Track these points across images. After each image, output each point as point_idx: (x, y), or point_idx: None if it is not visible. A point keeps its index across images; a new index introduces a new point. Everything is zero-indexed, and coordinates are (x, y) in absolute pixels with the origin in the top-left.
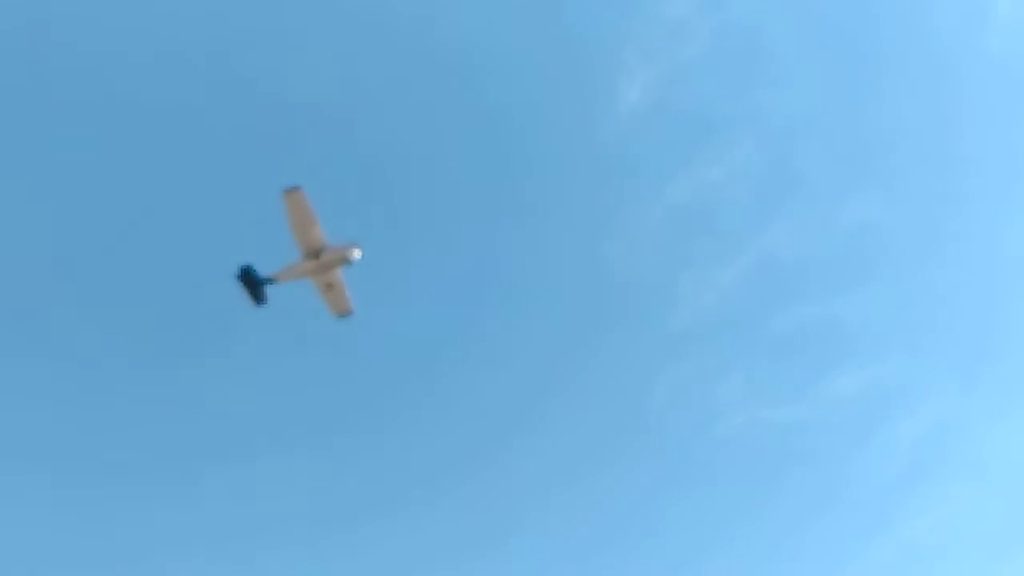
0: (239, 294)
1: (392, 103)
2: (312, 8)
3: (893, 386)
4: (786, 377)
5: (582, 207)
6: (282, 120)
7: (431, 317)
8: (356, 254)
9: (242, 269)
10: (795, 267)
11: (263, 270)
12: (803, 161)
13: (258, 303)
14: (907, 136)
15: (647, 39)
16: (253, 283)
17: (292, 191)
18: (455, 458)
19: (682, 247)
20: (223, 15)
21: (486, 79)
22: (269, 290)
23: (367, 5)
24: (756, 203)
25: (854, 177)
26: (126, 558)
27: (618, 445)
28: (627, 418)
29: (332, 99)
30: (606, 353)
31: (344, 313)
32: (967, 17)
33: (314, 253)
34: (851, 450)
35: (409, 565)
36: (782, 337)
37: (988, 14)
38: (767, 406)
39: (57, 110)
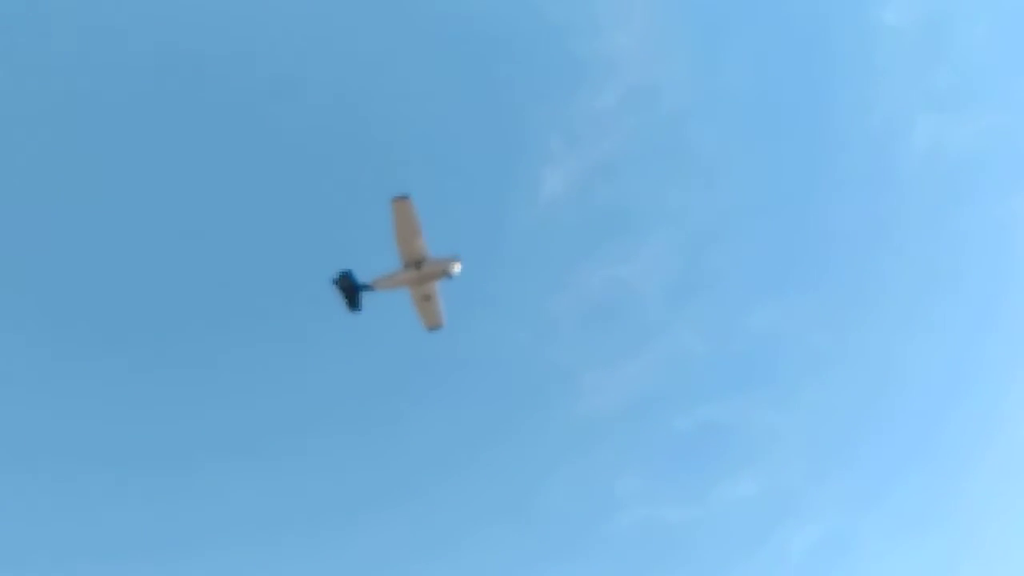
0: (335, 298)
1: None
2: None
3: (788, 494)
4: (684, 477)
5: (495, 292)
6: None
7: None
8: (457, 268)
9: (341, 274)
10: (701, 367)
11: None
12: (717, 262)
13: (353, 309)
14: (821, 244)
15: (574, 129)
16: (351, 289)
17: (401, 199)
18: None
19: (590, 339)
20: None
21: (415, 154)
22: (365, 297)
23: None
24: (667, 300)
25: (765, 282)
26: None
27: (510, 534)
28: (521, 507)
29: None
30: (507, 439)
31: (436, 326)
32: (891, 126)
33: (415, 263)
34: (742, 556)
35: None
36: (683, 436)
37: (912, 122)
38: (663, 505)
39: (191, 115)
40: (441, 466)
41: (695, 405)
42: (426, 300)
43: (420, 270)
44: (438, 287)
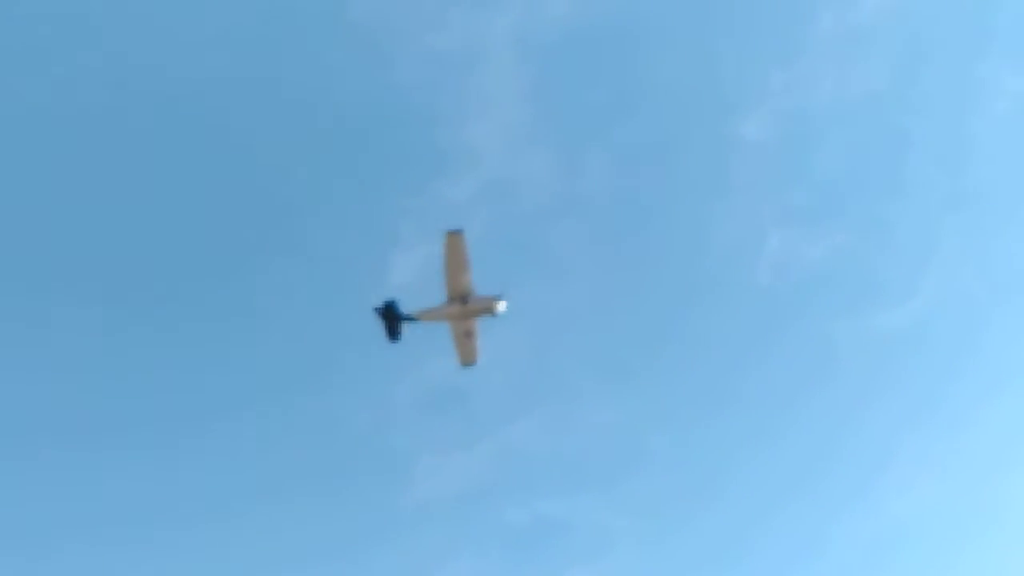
0: (375, 325)
1: None
2: None
3: None
4: (514, 570)
5: (338, 371)
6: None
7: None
8: (502, 307)
9: (386, 303)
10: (538, 461)
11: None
12: (562, 357)
13: (393, 339)
14: (668, 347)
15: (428, 217)
16: (393, 318)
17: (455, 233)
18: None
19: (429, 425)
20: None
21: (268, 230)
22: (406, 327)
23: None
24: (509, 392)
25: (608, 380)
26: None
27: None
28: None
29: None
30: (334, 521)
31: (471, 363)
32: (744, 237)
33: (461, 298)
34: None
35: None
36: (516, 529)
37: (765, 235)
38: None
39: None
40: (274, 545)
41: (530, 499)
42: (467, 337)
43: (466, 305)
44: (478, 325)
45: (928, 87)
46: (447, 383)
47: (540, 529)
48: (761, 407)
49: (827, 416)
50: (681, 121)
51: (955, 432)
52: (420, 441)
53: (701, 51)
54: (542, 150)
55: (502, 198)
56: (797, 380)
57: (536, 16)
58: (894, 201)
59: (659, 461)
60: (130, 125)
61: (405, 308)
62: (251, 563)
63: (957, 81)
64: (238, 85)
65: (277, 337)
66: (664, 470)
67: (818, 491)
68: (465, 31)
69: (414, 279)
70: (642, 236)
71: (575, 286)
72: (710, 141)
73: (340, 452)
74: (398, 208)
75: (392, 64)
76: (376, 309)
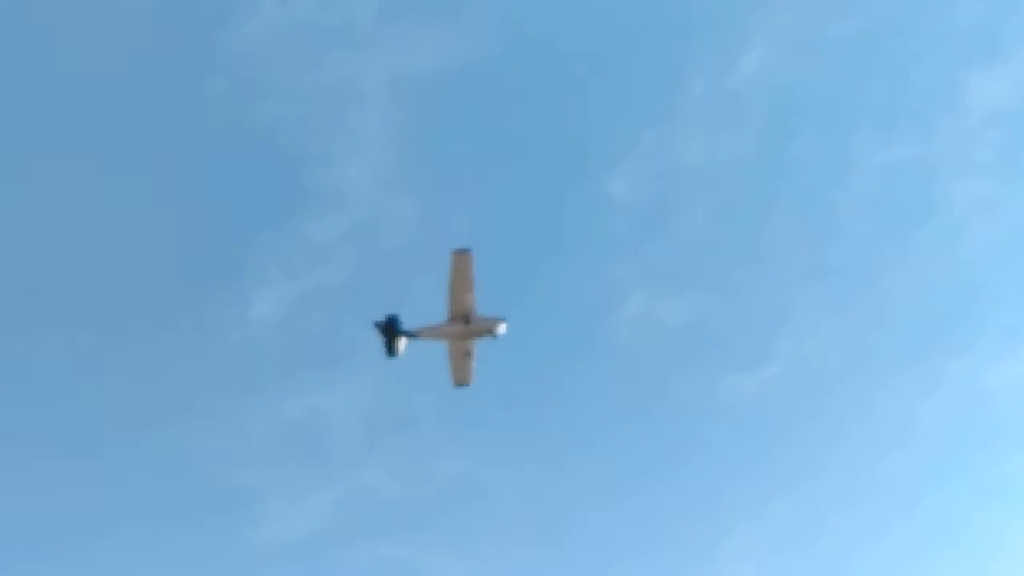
0: (375, 339)
1: None
2: None
3: None
4: None
5: (190, 404)
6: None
7: None
8: (502, 328)
9: (388, 318)
10: (387, 507)
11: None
12: (416, 404)
13: (391, 354)
14: (521, 401)
15: (289, 258)
16: (394, 334)
17: (462, 252)
18: None
19: (282, 466)
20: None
21: (111, 264)
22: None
23: None
24: (365, 435)
25: (461, 428)
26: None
27: None
28: None
29: None
30: (173, 561)
31: (466, 383)
32: (607, 295)
33: (464, 318)
34: None
35: None
36: (361, 574)
37: (627, 294)
38: None
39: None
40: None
41: (377, 545)
42: (465, 356)
43: (468, 325)
44: (476, 346)
45: (796, 156)
46: (304, 421)
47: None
48: (612, 462)
49: (676, 474)
50: (549, 174)
51: (794, 493)
52: (272, 480)
53: (575, 105)
54: (408, 194)
55: (366, 239)
56: (648, 439)
57: (413, 60)
58: (753, 267)
59: (503, 510)
60: None
61: (407, 324)
62: None
63: (825, 152)
64: (100, 110)
65: (129, 371)
66: (507, 519)
67: (655, 555)
68: (340, 70)
69: (274, 316)
70: (501, 287)
71: None
72: (577, 196)
73: (186, 490)
74: (260, 245)
75: (264, 99)
76: (377, 323)
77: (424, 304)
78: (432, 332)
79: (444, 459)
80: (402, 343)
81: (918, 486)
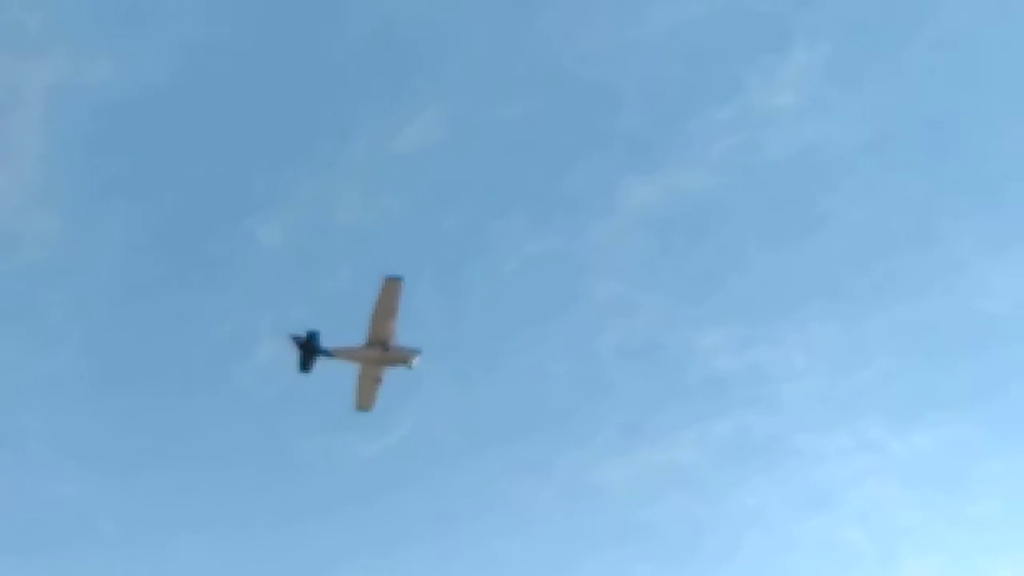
0: (289, 353)
1: None
2: None
3: None
4: None
5: None
6: None
7: None
8: (416, 361)
9: (308, 334)
10: None
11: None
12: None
13: (304, 370)
14: (140, 429)
15: None
16: (311, 351)
17: (394, 280)
18: None
19: None
20: None
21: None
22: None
23: None
24: None
25: (70, 454)
26: None
27: None
28: None
29: None
30: None
31: (367, 409)
32: (230, 351)
33: (383, 344)
34: None
35: None
36: None
37: (253, 352)
38: None
39: None
40: None
41: None
42: (375, 382)
43: (386, 352)
44: (386, 373)
45: (447, 229)
46: None
47: None
48: (220, 509)
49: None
50: (199, 210)
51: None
52: None
53: (237, 143)
54: (54, 210)
55: (4, 252)
56: (262, 489)
57: (79, 75)
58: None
59: (108, 543)
60: None
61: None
62: None
63: (476, 230)
64: None
65: None
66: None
67: None
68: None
69: None
70: (132, 321)
71: (73, 350)
72: (224, 237)
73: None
74: None
75: None
76: (295, 338)
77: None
78: (348, 353)
79: (52, 485)
80: (316, 361)
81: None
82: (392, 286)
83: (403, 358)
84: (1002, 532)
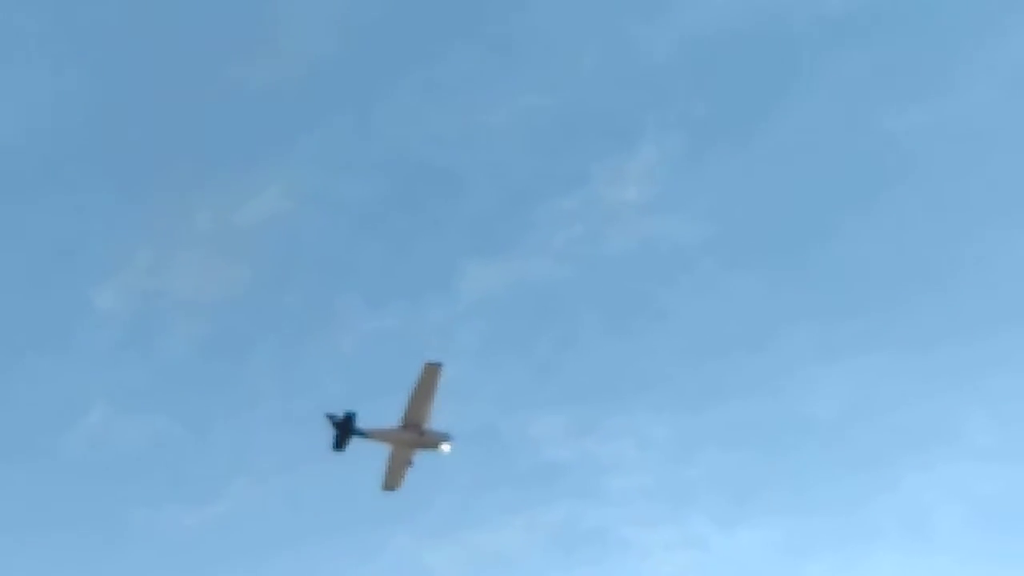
0: (325, 430)
1: None
2: None
3: None
4: None
5: None
6: None
7: None
8: (447, 448)
9: (345, 415)
10: None
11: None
12: None
13: (338, 449)
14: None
15: None
16: (346, 431)
17: (434, 365)
18: None
19: None
20: None
21: None
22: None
23: None
24: None
25: None
26: None
27: None
28: None
29: None
30: None
31: (394, 488)
32: (57, 418)
33: (417, 427)
34: None
35: None
36: None
37: (81, 419)
38: None
39: None
40: None
41: None
42: (405, 464)
43: (421, 436)
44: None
45: (286, 304)
46: None
47: None
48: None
49: None
50: (35, 273)
51: None
52: None
53: (74, 207)
54: None
55: None
56: (85, 557)
57: None
58: (225, 400)
59: None
60: None
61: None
62: None
63: (314, 307)
64: None
65: None
66: None
67: None
68: None
69: None
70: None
71: None
72: (59, 302)
73: None
74: None
75: None
76: (331, 417)
77: None
78: (384, 435)
79: None
80: (350, 440)
81: None
82: (431, 371)
83: (436, 442)
84: None
